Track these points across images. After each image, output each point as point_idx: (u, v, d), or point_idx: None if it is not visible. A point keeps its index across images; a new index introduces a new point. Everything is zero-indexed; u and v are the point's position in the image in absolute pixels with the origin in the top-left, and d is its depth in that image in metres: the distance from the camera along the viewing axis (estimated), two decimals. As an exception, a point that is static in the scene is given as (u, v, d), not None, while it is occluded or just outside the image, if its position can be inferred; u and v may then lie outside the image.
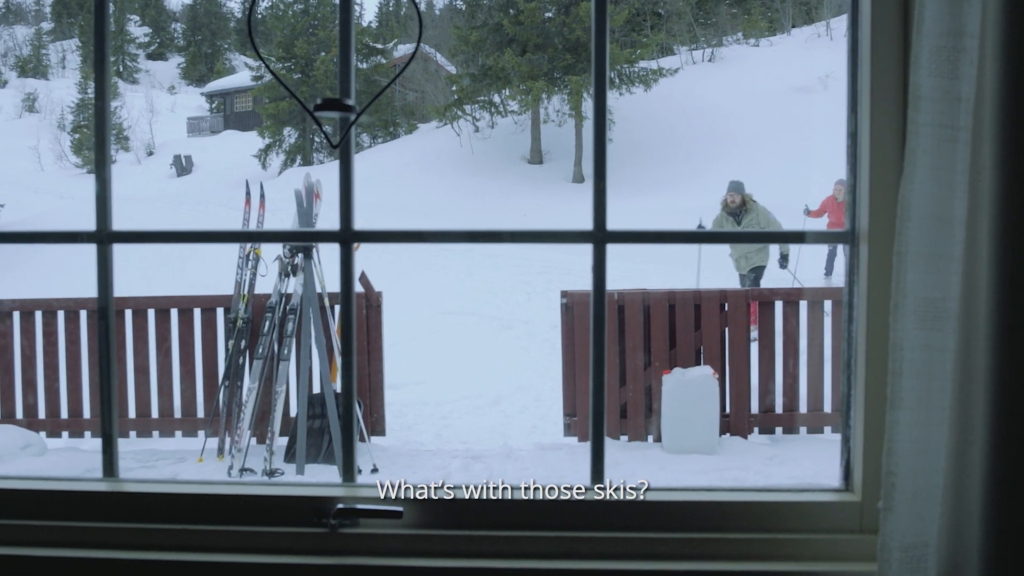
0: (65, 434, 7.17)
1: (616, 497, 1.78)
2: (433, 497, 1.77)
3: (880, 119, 1.67)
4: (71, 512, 1.85)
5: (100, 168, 1.87)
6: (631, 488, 1.80)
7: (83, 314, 7.09)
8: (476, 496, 1.77)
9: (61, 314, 7.08)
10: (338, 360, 6.64)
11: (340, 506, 1.74)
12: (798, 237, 1.89)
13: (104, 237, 1.86)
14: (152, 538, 1.81)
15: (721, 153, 23.70)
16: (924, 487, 1.52)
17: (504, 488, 1.80)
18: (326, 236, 1.74)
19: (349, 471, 1.89)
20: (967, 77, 1.49)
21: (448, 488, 1.79)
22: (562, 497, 1.78)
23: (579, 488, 1.82)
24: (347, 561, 1.72)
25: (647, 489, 1.80)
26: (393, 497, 1.77)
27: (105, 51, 1.87)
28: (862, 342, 1.72)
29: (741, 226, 10.35)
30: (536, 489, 1.80)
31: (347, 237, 1.81)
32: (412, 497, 1.77)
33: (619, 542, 1.75)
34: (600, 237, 1.78)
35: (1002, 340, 1.46)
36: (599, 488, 1.82)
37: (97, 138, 1.87)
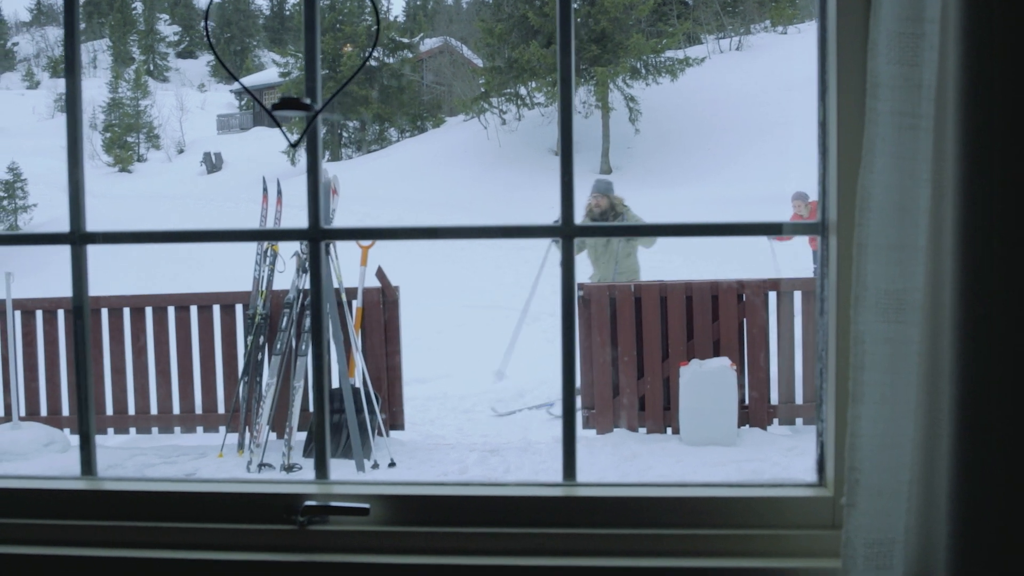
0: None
1: (585, 493, 1.76)
2: (401, 494, 1.76)
3: (847, 108, 1.64)
4: (50, 510, 1.87)
5: (73, 169, 1.88)
6: (600, 483, 1.78)
7: (104, 312, 7.16)
8: (445, 493, 1.77)
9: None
10: (356, 356, 6.66)
11: (308, 503, 1.74)
12: (775, 228, 1.87)
13: (77, 238, 1.87)
14: (128, 536, 1.82)
15: (750, 143, 23.55)
16: (889, 483, 1.49)
17: (472, 484, 1.79)
18: (295, 234, 1.73)
19: (322, 468, 1.89)
20: (928, 63, 1.46)
21: (415, 484, 1.78)
22: (531, 493, 1.77)
23: (551, 484, 1.81)
24: (315, 558, 1.72)
25: (617, 485, 1.78)
26: (362, 494, 1.77)
27: (76, 55, 1.87)
28: (832, 335, 1.70)
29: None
30: (505, 485, 1.79)
31: (316, 235, 1.81)
32: (380, 494, 1.76)
33: (589, 538, 1.73)
34: (567, 232, 1.76)
35: (967, 332, 1.43)
36: (570, 484, 1.81)
37: (69, 142, 1.88)
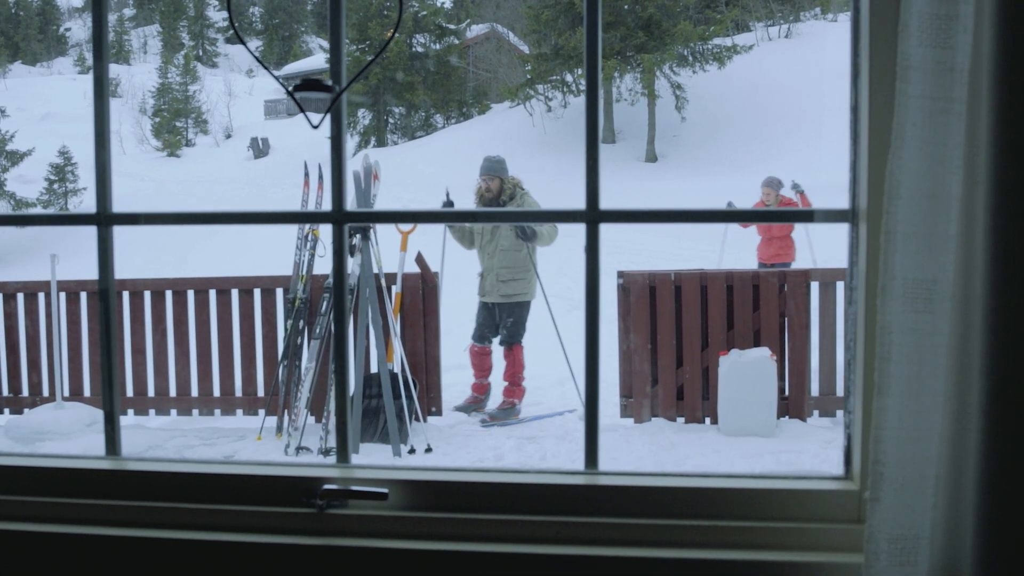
0: (131, 411, 7.33)
1: (607, 482, 1.74)
2: (420, 479, 1.75)
3: (878, 93, 1.60)
4: (74, 489, 1.88)
5: (100, 150, 1.89)
6: (622, 472, 1.76)
7: (147, 295, 7.24)
8: (464, 479, 1.75)
9: (124, 295, 7.24)
10: (395, 341, 6.68)
11: (327, 487, 1.74)
12: (807, 216, 1.83)
13: (103, 219, 1.87)
14: (149, 516, 1.83)
15: (799, 132, 23.27)
16: (914, 477, 1.45)
17: (491, 471, 1.78)
18: (319, 217, 1.72)
19: (343, 452, 1.88)
20: (962, 46, 1.41)
21: (435, 470, 1.77)
22: (552, 481, 1.75)
23: (572, 472, 1.79)
24: (333, 542, 1.72)
25: (639, 474, 1.76)
26: (382, 479, 1.76)
27: (104, 39, 1.88)
28: (861, 325, 1.65)
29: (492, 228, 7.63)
30: (525, 472, 1.77)
31: (339, 218, 1.80)
32: (400, 479, 1.75)
33: (611, 528, 1.71)
34: (592, 217, 1.74)
35: (998, 323, 1.39)
36: (592, 473, 1.79)
37: (96, 123, 1.89)
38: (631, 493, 1.74)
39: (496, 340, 7.56)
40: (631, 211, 1.74)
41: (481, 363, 7.54)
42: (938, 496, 1.48)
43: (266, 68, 1.73)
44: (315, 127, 1.61)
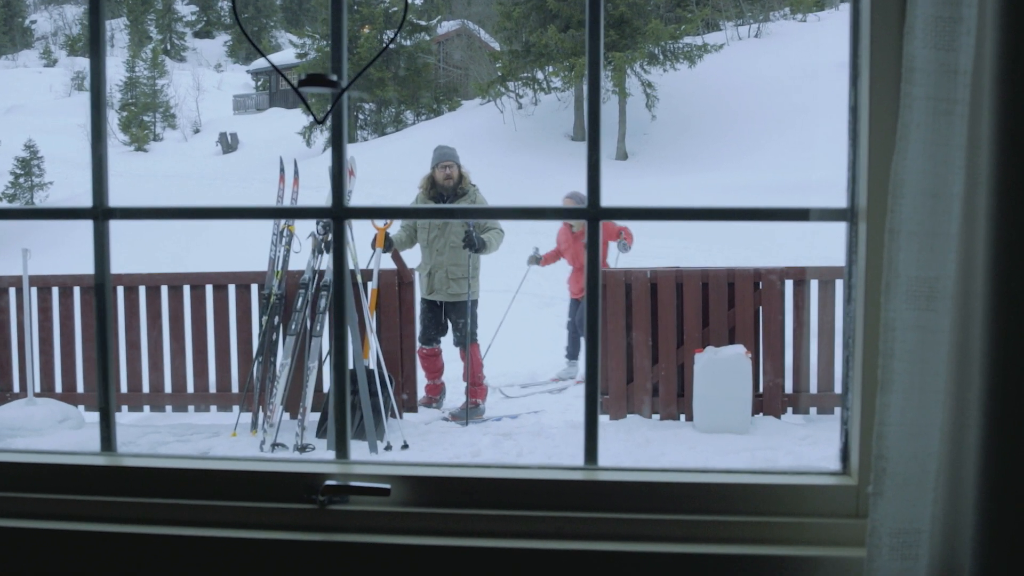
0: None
1: (607, 478, 1.75)
2: (422, 475, 1.76)
3: (879, 93, 1.62)
4: (69, 485, 1.86)
5: (96, 143, 1.87)
6: (621, 468, 1.77)
7: (119, 290, 7.18)
8: (465, 475, 1.76)
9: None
10: (371, 337, 6.66)
11: (329, 483, 1.74)
12: (802, 214, 1.85)
13: (100, 213, 1.86)
14: (146, 512, 1.82)
15: (768, 131, 23.43)
16: (916, 472, 1.48)
17: (493, 467, 1.78)
18: (318, 212, 1.72)
19: (342, 447, 1.88)
20: (965, 48, 1.44)
21: (436, 466, 1.78)
22: (555, 476, 1.76)
23: (572, 468, 1.80)
24: (334, 538, 1.72)
25: (638, 469, 1.77)
26: (383, 475, 1.76)
27: (100, 34, 1.86)
28: (860, 323, 1.67)
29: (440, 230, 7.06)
30: (526, 468, 1.78)
31: (339, 213, 1.80)
32: (401, 475, 1.76)
33: (611, 523, 1.73)
34: (593, 213, 1.75)
35: (998, 320, 1.41)
36: (592, 468, 1.80)
37: (92, 117, 1.87)
38: (630, 488, 1.75)
39: (448, 340, 7.47)
40: (632, 208, 1.75)
41: (432, 365, 7.44)
42: (938, 491, 1.51)
43: (271, 63, 1.73)
44: (319, 122, 1.61)
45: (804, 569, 1.65)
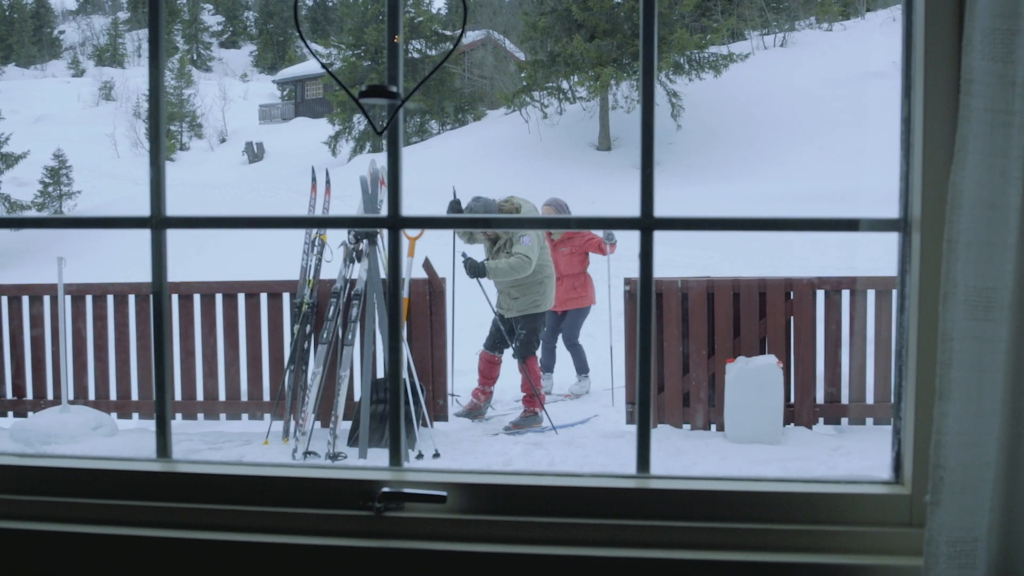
0: (135, 415, 7.34)
1: (659, 486, 1.77)
2: (477, 482, 1.77)
3: (933, 104, 1.63)
4: (127, 491, 1.89)
5: (155, 156, 1.91)
6: (675, 476, 1.78)
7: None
8: (520, 482, 1.78)
9: (130, 298, 7.24)
10: (402, 346, 6.68)
11: (385, 490, 1.76)
12: (851, 225, 1.86)
13: (157, 222, 1.89)
14: (202, 518, 1.84)
15: (794, 139, 23.35)
16: (973, 481, 1.48)
17: (547, 475, 1.80)
18: (376, 222, 1.75)
19: (396, 455, 1.90)
20: (1022, 61, 1.45)
21: (492, 473, 1.79)
22: (608, 484, 1.78)
23: (625, 476, 1.81)
24: (391, 544, 1.74)
25: (691, 478, 1.79)
26: (439, 482, 1.78)
27: (160, 44, 1.90)
28: (913, 332, 1.68)
29: (493, 253, 7.30)
30: (580, 476, 1.80)
31: (395, 223, 1.82)
32: (457, 482, 1.78)
33: (664, 531, 1.74)
34: (647, 224, 1.76)
35: (1057, 331, 1.42)
36: (644, 476, 1.81)
37: (151, 127, 1.91)
38: (682, 497, 1.76)
39: (508, 352, 7.59)
40: (685, 218, 1.76)
41: (489, 371, 7.55)
42: (995, 500, 1.51)
43: (331, 75, 1.76)
44: (379, 133, 1.63)
45: (858, 578, 1.66)
